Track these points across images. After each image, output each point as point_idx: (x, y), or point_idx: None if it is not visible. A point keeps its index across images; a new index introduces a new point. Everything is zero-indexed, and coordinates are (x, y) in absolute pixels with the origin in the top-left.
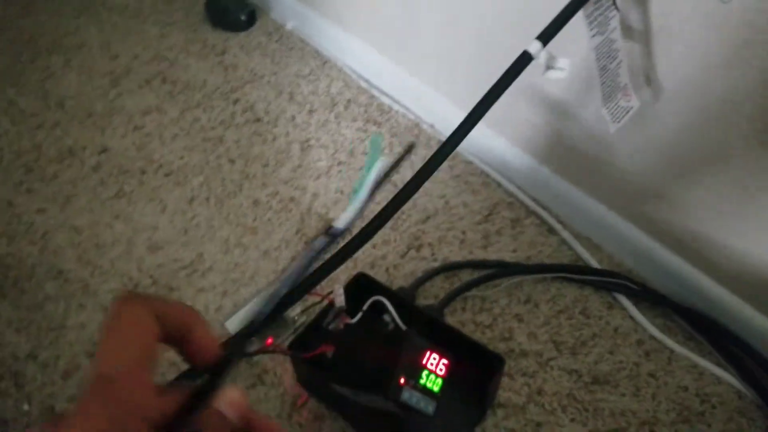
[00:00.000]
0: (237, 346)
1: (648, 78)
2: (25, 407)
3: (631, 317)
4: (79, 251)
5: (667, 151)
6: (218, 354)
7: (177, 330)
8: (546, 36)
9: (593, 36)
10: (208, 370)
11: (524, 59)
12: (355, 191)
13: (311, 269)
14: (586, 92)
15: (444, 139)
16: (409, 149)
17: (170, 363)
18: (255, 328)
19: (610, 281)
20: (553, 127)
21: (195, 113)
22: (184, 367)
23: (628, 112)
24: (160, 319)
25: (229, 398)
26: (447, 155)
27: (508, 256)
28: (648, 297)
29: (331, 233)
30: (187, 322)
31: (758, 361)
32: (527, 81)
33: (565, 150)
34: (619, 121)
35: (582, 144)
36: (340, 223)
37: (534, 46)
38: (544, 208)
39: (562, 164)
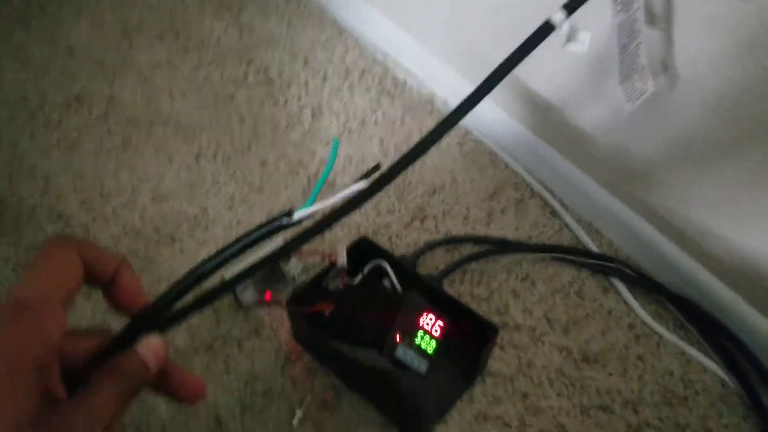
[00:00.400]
0: (164, 299)
1: (665, 65)
2: None
3: (625, 302)
4: (81, 197)
5: (676, 141)
6: (142, 302)
7: (103, 273)
8: (572, 6)
9: (618, 12)
10: (132, 317)
11: (546, 29)
12: (318, 187)
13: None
14: (600, 72)
15: (462, 122)
16: (375, 168)
17: None
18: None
19: (608, 266)
20: (564, 108)
21: (207, 70)
22: None
23: (643, 94)
24: (87, 262)
25: (151, 345)
26: (454, 124)
27: (509, 235)
28: (643, 284)
29: (282, 223)
30: (114, 267)
31: (745, 353)
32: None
33: (573, 132)
34: (633, 102)
35: (591, 127)
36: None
37: (558, 16)
38: (549, 190)
39: (569, 147)
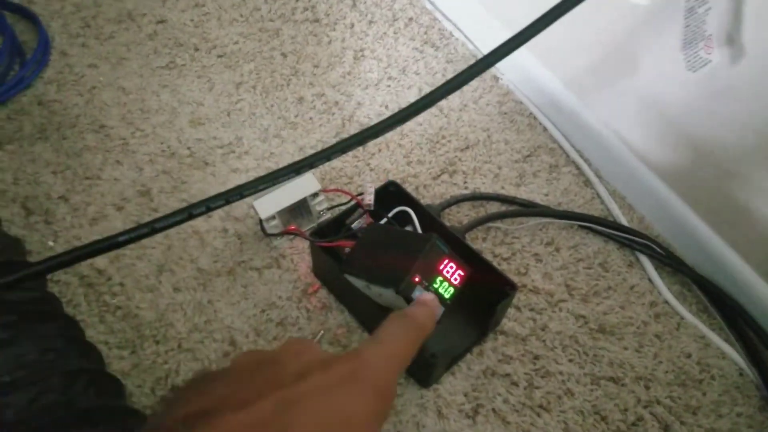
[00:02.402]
0: None
1: (731, 38)
2: (50, 243)
3: (650, 279)
4: (123, 111)
5: (731, 118)
6: None
7: None
8: None
9: None
10: None
11: None
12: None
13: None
14: (660, 32)
15: (499, 74)
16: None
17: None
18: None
19: (636, 241)
20: (613, 71)
21: (256, 2)
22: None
23: (705, 64)
24: None
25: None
26: (487, 67)
27: (539, 199)
28: (670, 263)
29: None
30: None
31: None
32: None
33: (619, 98)
34: (694, 71)
35: (639, 92)
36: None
37: None
38: (585, 159)
39: (613, 115)
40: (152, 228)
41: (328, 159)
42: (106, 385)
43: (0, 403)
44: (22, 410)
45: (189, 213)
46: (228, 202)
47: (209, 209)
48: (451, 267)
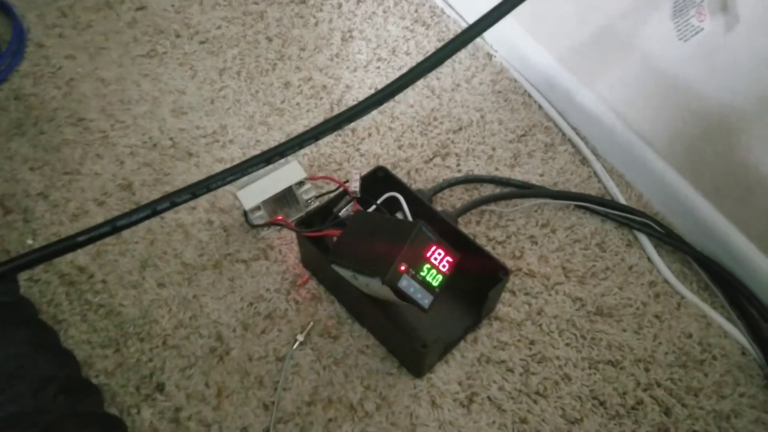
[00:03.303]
0: None
1: (725, 3)
2: (29, 242)
3: (649, 258)
4: (103, 103)
5: (728, 88)
6: None
7: None
8: None
9: None
10: None
11: None
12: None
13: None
14: (651, 5)
15: (492, 51)
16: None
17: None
18: None
19: (635, 219)
20: (605, 45)
21: None
22: None
23: (697, 32)
24: None
25: None
26: (472, 38)
27: (534, 179)
28: (670, 241)
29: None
30: None
31: None
32: None
33: (614, 72)
34: (686, 40)
35: (634, 66)
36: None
37: None
38: (582, 137)
39: (609, 90)
40: (114, 226)
41: (301, 146)
42: (79, 392)
43: None
44: None
45: (153, 209)
46: (195, 196)
47: (174, 204)
48: (440, 254)
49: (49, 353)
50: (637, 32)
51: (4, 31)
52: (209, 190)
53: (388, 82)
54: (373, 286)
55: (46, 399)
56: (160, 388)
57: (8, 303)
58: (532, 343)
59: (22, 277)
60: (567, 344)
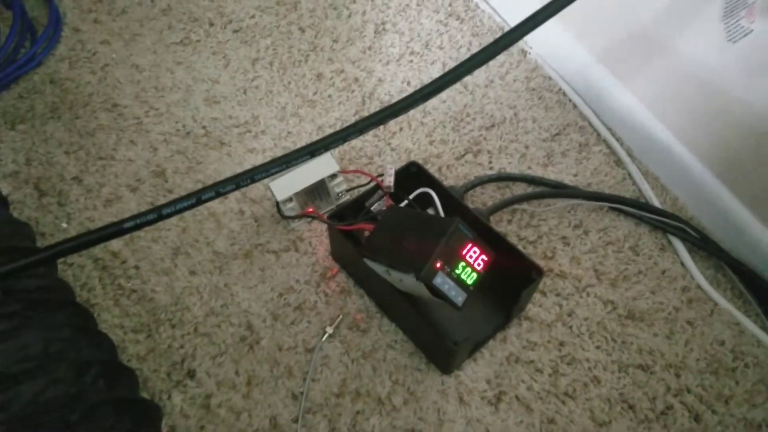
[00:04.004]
0: None
1: None
2: (64, 225)
3: (682, 263)
4: (137, 89)
5: None
6: None
7: None
8: None
9: None
10: None
11: None
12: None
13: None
14: (698, 5)
15: (527, 48)
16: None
17: None
18: None
19: (669, 223)
20: (647, 44)
21: None
22: None
23: (746, 34)
24: None
25: None
26: (515, 40)
27: (567, 179)
28: (705, 247)
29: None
30: None
31: None
32: None
33: (654, 72)
34: (734, 42)
35: (675, 66)
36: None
37: None
38: (617, 138)
39: (647, 91)
40: (159, 214)
41: (345, 140)
42: (117, 377)
43: (4, 397)
44: (27, 404)
45: (198, 198)
46: (239, 187)
47: (219, 194)
48: (475, 252)
49: (88, 337)
50: (681, 32)
51: (41, 14)
52: (253, 181)
53: (425, 77)
54: (407, 281)
55: (86, 383)
56: (191, 374)
57: (48, 286)
58: (561, 344)
59: (57, 260)
60: (597, 347)
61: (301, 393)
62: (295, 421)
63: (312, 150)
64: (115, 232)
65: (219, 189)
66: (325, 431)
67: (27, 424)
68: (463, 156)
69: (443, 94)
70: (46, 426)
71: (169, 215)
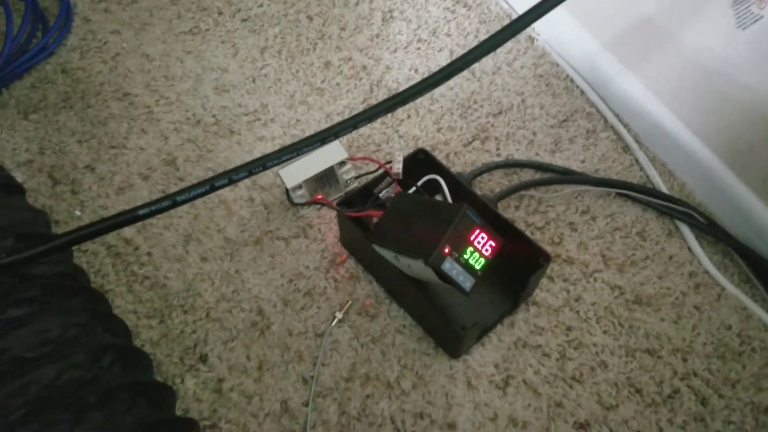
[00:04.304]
0: None
1: None
2: (77, 213)
3: (689, 248)
4: (147, 78)
5: None
6: None
7: None
8: None
9: None
10: None
11: None
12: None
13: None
14: None
15: (534, 34)
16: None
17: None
18: None
19: (676, 209)
20: (655, 30)
21: None
22: None
23: (756, 20)
24: None
25: None
26: (524, 27)
27: (575, 166)
28: (712, 232)
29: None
30: None
31: None
32: None
33: (661, 58)
34: (744, 28)
35: (683, 51)
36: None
37: None
38: (624, 124)
39: (654, 77)
40: (174, 201)
41: (355, 128)
42: (132, 361)
43: (24, 380)
44: (46, 387)
45: (211, 185)
46: (251, 174)
47: (232, 181)
48: (483, 238)
49: (103, 322)
50: (689, 18)
51: (52, 5)
52: (265, 168)
53: (432, 64)
54: (416, 267)
55: (103, 368)
56: (204, 359)
57: (64, 272)
58: (569, 329)
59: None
60: (604, 332)
61: (312, 377)
62: (306, 404)
63: (322, 137)
64: (131, 218)
65: (232, 176)
66: (335, 415)
67: (46, 407)
68: (470, 143)
69: (450, 82)
70: (65, 408)
71: (183, 202)
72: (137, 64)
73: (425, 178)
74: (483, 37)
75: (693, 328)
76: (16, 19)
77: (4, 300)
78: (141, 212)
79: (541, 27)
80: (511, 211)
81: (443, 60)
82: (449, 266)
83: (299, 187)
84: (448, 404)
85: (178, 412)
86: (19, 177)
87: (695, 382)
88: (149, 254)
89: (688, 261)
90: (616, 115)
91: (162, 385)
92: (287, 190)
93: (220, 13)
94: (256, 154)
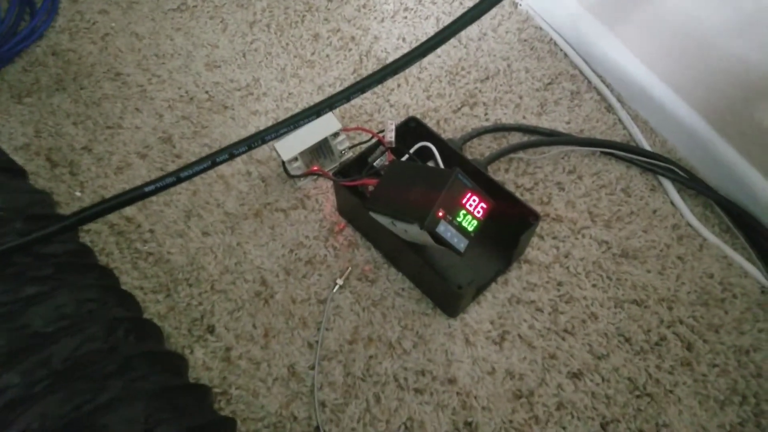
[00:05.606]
0: None
1: None
2: (78, 193)
3: (672, 202)
4: (138, 57)
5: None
6: None
7: None
8: None
9: None
10: None
11: None
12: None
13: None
14: None
15: (518, 0)
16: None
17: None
18: None
19: (658, 165)
20: None
21: None
22: None
23: None
24: None
25: None
26: None
27: (561, 127)
28: (693, 186)
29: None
30: None
31: None
32: None
33: (642, 19)
34: None
35: (663, 12)
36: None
37: None
38: (607, 85)
39: (635, 37)
40: (178, 177)
41: (348, 99)
42: (145, 331)
43: (45, 353)
44: (67, 359)
45: (213, 160)
46: (251, 148)
47: (232, 156)
48: (474, 200)
49: (115, 296)
50: None
51: None
52: (264, 141)
53: (419, 32)
54: (412, 231)
55: (118, 338)
56: (211, 329)
57: (73, 251)
58: (560, 284)
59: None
60: (593, 285)
61: (316, 342)
62: (312, 368)
63: (318, 110)
64: (138, 195)
65: (232, 151)
66: (340, 376)
67: (68, 377)
68: (459, 109)
69: (438, 50)
70: (86, 378)
71: (187, 177)
72: (127, 44)
73: (417, 145)
74: (468, 3)
75: (677, 278)
76: (3, 3)
77: (20, 279)
78: (147, 189)
79: (524, 3)
80: (501, 173)
81: (430, 28)
82: (443, 229)
83: (295, 159)
84: (447, 361)
85: (190, 381)
86: (17, 161)
87: (681, 329)
88: (151, 231)
89: (671, 214)
90: (599, 77)
91: (174, 353)
92: (283, 163)
93: None
94: (251, 129)
